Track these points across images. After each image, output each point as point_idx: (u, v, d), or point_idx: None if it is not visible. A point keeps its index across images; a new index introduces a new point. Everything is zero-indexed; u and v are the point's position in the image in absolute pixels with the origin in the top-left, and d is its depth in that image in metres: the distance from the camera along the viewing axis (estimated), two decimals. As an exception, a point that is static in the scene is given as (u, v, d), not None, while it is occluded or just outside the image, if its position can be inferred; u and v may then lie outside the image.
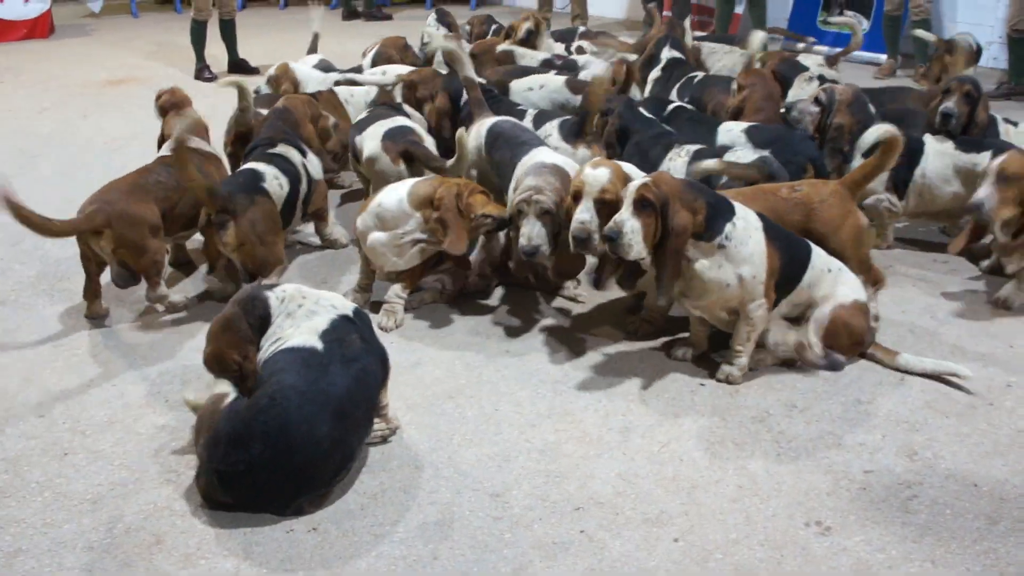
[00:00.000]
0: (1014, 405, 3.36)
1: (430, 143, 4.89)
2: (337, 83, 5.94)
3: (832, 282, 3.54)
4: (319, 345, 2.85)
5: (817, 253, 3.55)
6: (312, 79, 6.07)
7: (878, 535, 2.69)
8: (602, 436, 3.16)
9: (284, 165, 4.34)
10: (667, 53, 6.52)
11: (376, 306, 4.10)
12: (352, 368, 2.86)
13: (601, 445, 3.11)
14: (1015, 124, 5.11)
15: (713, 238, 3.27)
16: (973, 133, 4.80)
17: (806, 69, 6.14)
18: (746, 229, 3.33)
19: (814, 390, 3.45)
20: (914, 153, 4.59)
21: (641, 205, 3.22)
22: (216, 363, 2.86)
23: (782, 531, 2.71)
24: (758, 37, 6.37)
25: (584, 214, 3.46)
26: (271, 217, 4.10)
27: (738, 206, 3.38)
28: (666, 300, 3.51)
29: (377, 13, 12.54)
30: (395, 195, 3.97)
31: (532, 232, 3.70)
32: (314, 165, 4.61)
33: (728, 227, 3.28)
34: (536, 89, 5.87)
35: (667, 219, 3.20)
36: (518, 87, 5.90)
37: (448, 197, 3.86)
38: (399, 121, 4.91)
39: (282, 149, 4.43)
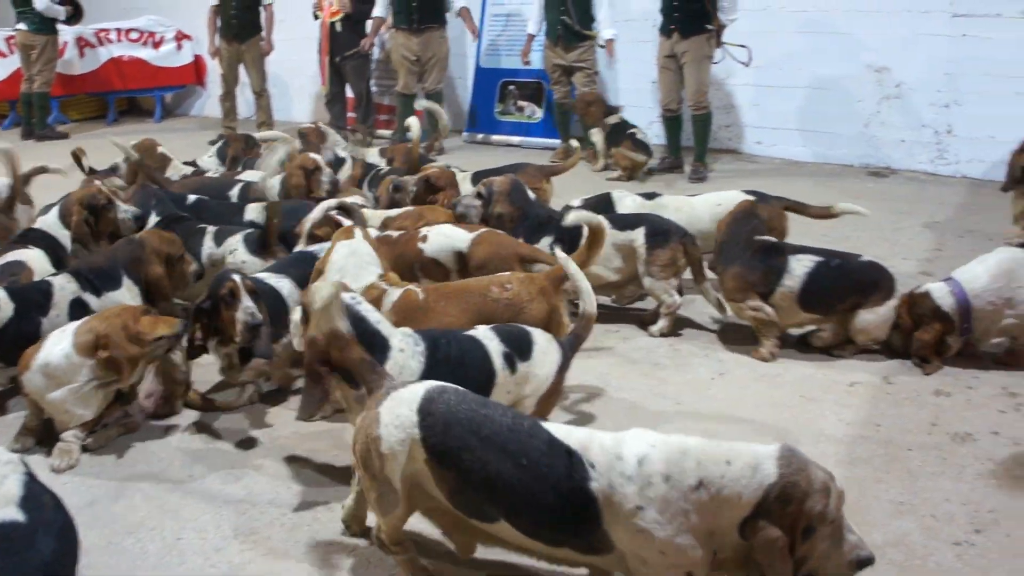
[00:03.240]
0: (682, 458, 3.59)
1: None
2: None
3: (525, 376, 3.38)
4: (20, 517, 2.55)
5: (499, 372, 3.28)
6: None
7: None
8: (289, 550, 3.08)
9: (25, 293, 4.13)
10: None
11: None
12: (54, 529, 2.66)
13: (288, 559, 3.04)
14: (651, 196, 5.61)
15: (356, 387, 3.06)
16: None
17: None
18: (398, 366, 3.11)
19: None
20: (576, 237, 4.85)
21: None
22: None
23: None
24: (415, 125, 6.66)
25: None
26: None
27: (397, 340, 3.17)
28: (304, 416, 3.14)
29: (51, 133, 11.93)
30: (59, 349, 3.69)
31: None
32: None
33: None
34: None
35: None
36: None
37: (114, 334, 3.65)
38: (13, 256, 4.71)
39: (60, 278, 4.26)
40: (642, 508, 2.31)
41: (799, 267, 4.49)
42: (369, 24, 10.46)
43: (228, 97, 11.23)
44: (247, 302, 3.77)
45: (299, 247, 4.64)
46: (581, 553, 2.47)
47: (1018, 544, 3.06)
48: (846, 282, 4.51)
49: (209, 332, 3.92)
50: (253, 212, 5.45)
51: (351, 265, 4.01)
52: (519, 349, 3.34)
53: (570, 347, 3.46)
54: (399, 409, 2.60)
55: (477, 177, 6.41)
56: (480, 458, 2.46)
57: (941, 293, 4.41)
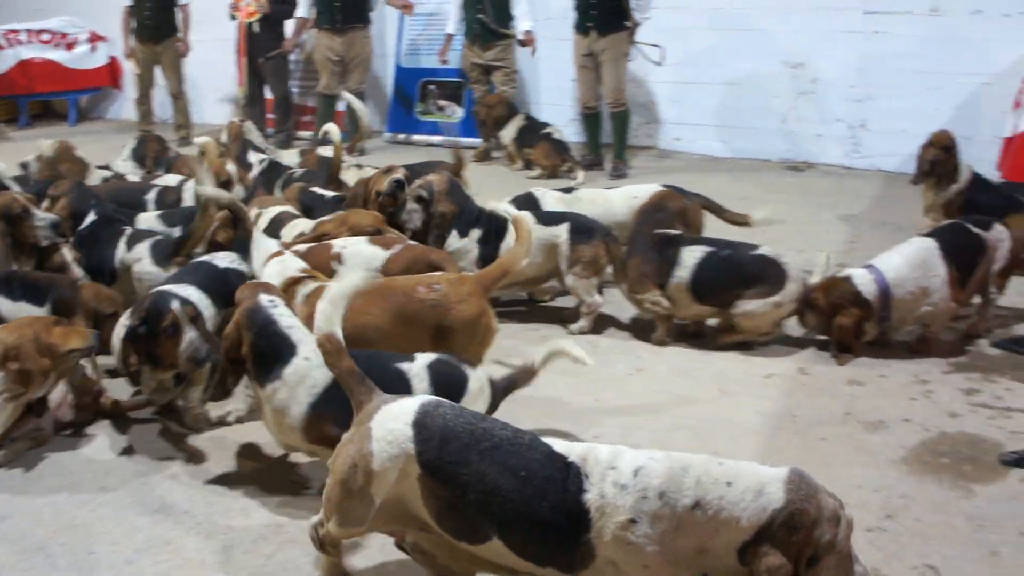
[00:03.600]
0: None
1: None
2: None
3: None
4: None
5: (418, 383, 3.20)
6: None
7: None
8: (204, 559, 3.03)
9: None
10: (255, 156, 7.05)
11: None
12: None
13: (204, 568, 2.98)
14: (568, 191, 5.67)
15: (264, 385, 3.17)
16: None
17: None
18: (299, 373, 3.12)
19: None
20: (500, 230, 4.91)
21: None
22: None
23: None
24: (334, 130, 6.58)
25: None
26: None
27: (307, 348, 3.12)
28: (212, 398, 3.53)
29: (-40, 138, 11.63)
30: None
31: None
32: None
33: (276, 383, 3.15)
34: None
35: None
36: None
37: (24, 345, 3.53)
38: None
39: None
40: (635, 522, 2.23)
41: (690, 258, 4.56)
42: (289, 24, 10.36)
43: (144, 100, 11.04)
44: (191, 334, 3.60)
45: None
46: (563, 572, 2.36)
47: (927, 528, 3.13)
48: (735, 273, 4.56)
49: (144, 357, 3.72)
50: (145, 221, 5.31)
51: (276, 271, 3.99)
52: (448, 394, 3.07)
53: (502, 392, 3.33)
54: (392, 424, 2.47)
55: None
56: (478, 471, 2.35)
57: (863, 280, 4.47)
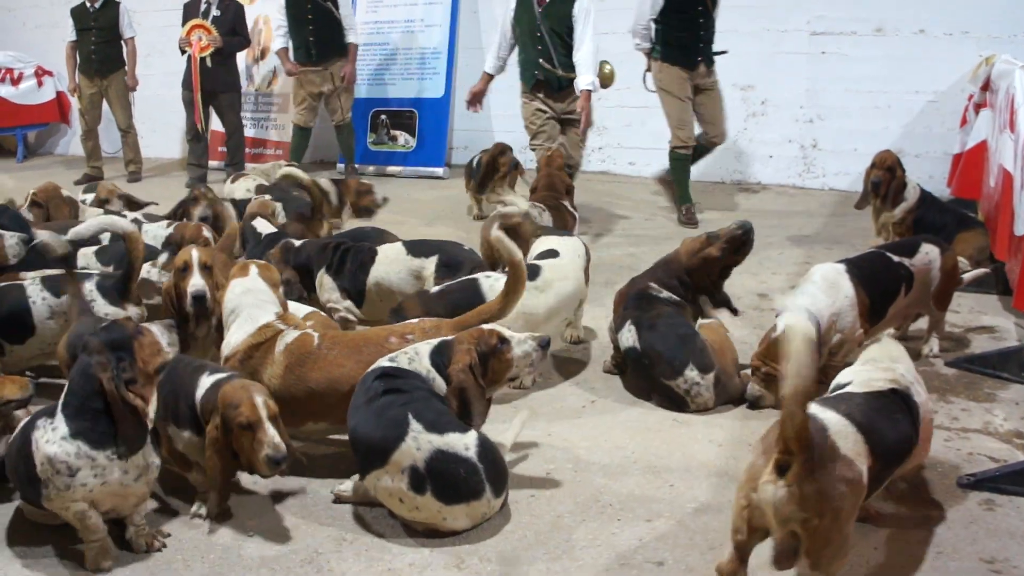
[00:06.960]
0: (553, 492, 3.53)
1: None
2: None
3: None
4: None
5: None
6: None
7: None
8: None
9: None
10: None
11: None
12: None
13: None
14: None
15: None
16: None
17: None
18: None
19: (363, 519, 3.40)
20: (365, 263, 4.86)
21: None
22: None
23: None
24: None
25: None
26: None
27: None
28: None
29: (-96, 178, 11.37)
30: None
31: None
32: None
33: None
34: None
35: None
36: None
37: None
38: None
39: None
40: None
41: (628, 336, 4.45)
42: (242, 56, 10.29)
43: (90, 136, 10.85)
44: None
45: None
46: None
47: (887, 557, 3.08)
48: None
49: None
50: (83, 258, 5.17)
51: (246, 304, 3.80)
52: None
53: None
54: (852, 438, 2.73)
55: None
56: (887, 428, 2.90)
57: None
